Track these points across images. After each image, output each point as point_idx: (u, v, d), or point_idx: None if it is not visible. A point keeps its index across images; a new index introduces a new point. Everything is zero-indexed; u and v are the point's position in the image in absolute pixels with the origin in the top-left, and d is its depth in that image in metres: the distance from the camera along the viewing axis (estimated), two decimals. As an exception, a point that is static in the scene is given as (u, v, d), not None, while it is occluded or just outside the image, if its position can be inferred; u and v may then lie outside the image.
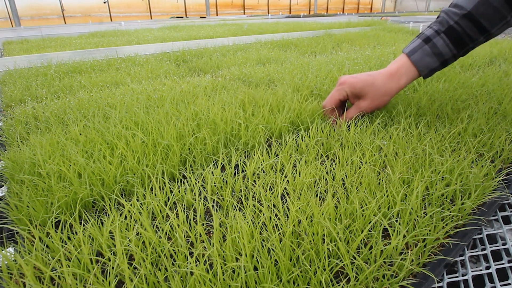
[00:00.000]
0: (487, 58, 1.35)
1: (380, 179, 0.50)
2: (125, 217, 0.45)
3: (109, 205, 0.47)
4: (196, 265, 0.36)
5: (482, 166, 0.53)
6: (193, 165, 0.58)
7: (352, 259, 0.36)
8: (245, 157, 0.61)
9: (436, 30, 0.66)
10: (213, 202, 0.49)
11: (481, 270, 0.41)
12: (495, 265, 0.41)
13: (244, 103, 0.80)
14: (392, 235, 0.38)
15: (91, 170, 0.51)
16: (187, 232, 0.41)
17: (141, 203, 0.47)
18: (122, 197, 0.51)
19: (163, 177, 0.53)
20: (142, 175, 0.53)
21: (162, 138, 0.61)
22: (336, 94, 0.71)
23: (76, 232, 0.41)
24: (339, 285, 0.34)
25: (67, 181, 0.50)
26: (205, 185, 0.52)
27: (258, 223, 0.40)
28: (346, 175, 0.52)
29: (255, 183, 0.52)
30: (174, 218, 0.41)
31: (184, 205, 0.49)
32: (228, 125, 0.66)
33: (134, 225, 0.41)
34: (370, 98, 0.68)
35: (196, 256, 0.37)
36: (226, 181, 0.52)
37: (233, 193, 0.51)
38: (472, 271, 0.40)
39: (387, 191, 0.46)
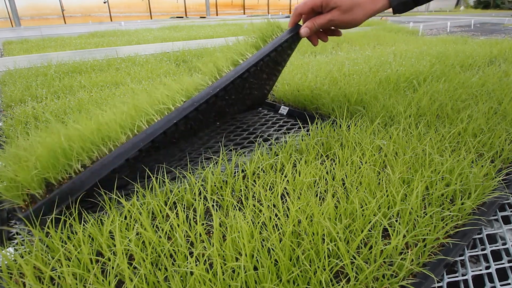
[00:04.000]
0: (487, 58, 1.35)
1: (380, 179, 0.50)
2: (125, 217, 0.45)
3: (109, 204, 0.47)
4: (196, 265, 0.36)
5: (482, 166, 0.53)
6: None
7: (352, 259, 0.36)
8: (245, 157, 0.61)
9: None
10: (213, 202, 0.49)
11: (481, 270, 0.41)
12: (495, 265, 0.41)
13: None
14: (392, 235, 0.38)
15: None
16: (187, 232, 0.41)
17: (141, 203, 0.47)
18: (121, 194, 0.51)
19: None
20: (121, 124, 0.53)
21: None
22: (310, 0, 0.71)
23: (76, 232, 0.41)
24: (339, 285, 0.34)
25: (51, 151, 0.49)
26: (205, 185, 0.52)
27: (258, 223, 0.40)
28: (346, 175, 0.52)
29: (255, 183, 0.52)
30: (174, 218, 0.41)
31: (184, 205, 0.49)
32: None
33: (134, 225, 0.41)
34: (343, 9, 0.68)
35: (196, 256, 0.37)
36: (226, 181, 0.52)
37: (233, 193, 0.51)
38: (472, 271, 0.40)
39: (387, 191, 0.46)
